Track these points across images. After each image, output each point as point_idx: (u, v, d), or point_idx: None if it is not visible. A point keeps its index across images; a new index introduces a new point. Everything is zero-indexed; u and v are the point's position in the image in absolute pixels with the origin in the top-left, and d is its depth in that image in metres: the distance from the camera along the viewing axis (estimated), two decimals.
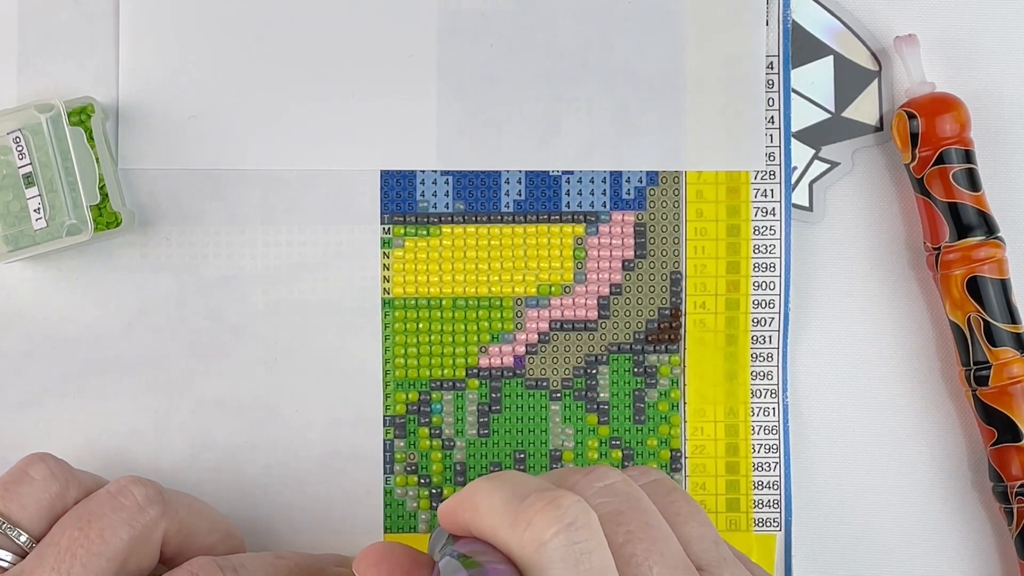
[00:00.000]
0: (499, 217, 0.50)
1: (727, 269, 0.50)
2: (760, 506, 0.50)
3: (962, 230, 0.49)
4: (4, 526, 0.42)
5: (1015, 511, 0.50)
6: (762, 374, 0.50)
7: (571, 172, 0.50)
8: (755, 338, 0.50)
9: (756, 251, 0.50)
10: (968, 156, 0.50)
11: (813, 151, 0.51)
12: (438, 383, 0.50)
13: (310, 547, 0.50)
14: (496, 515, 0.36)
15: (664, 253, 0.50)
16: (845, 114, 0.52)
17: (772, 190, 0.50)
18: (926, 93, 0.50)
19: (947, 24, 0.52)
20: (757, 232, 0.50)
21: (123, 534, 0.42)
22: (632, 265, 0.51)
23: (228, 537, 0.47)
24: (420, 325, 0.50)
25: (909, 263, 0.52)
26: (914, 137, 0.50)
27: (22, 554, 0.42)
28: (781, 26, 0.51)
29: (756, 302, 0.50)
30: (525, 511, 0.35)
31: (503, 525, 0.35)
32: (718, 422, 0.51)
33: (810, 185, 0.51)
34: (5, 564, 0.42)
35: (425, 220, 0.50)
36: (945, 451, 0.52)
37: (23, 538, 0.42)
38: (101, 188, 0.48)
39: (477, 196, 0.50)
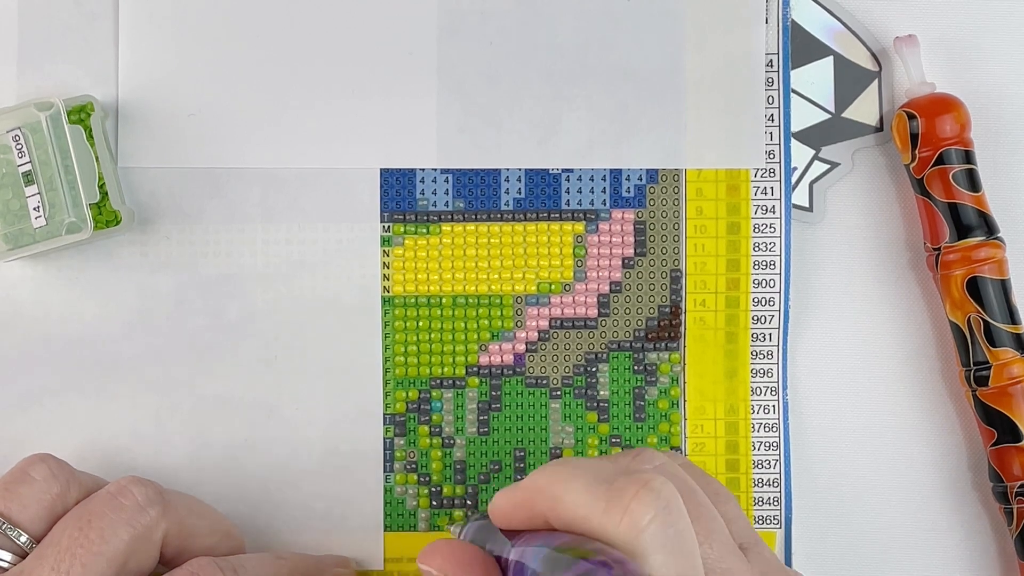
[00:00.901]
0: (499, 215, 0.50)
1: (727, 267, 0.50)
2: (760, 504, 0.50)
3: (962, 230, 0.49)
4: (4, 526, 0.42)
5: (1015, 511, 0.50)
6: (762, 372, 0.50)
7: (571, 170, 0.50)
8: (755, 336, 0.50)
9: (756, 249, 0.50)
10: (968, 156, 0.50)
11: (813, 151, 0.51)
12: (438, 381, 0.50)
13: (310, 545, 0.49)
14: (584, 504, 0.35)
15: (664, 251, 0.50)
16: (845, 114, 0.52)
17: (772, 188, 0.50)
18: (926, 93, 0.50)
19: (947, 24, 0.52)
20: (757, 230, 0.50)
21: (123, 534, 0.42)
22: (632, 263, 0.51)
23: (228, 537, 0.47)
24: (420, 323, 0.50)
25: (909, 263, 0.52)
26: (914, 137, 0.50)
27: (22, 554, 0.42)
28: (780, 24, 0.51)
29: (756, 300, 0.50)
30: (619, 497, 0.34)
31: (595, 513, 0.35)
32: (718, 420, 0.51)
33: (810, 185, 0.51)
34: (5, 564, 0.42)
35: (425, 218, 0.50)
36: (945, 451, 0.52)
37: (23, 538, 0.42)
38: (101, 186, 0.48)
39: (477, 194, 0.50)
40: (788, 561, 0.50)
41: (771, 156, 0.51)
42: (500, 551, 0.38)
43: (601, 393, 0.50)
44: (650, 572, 0.34)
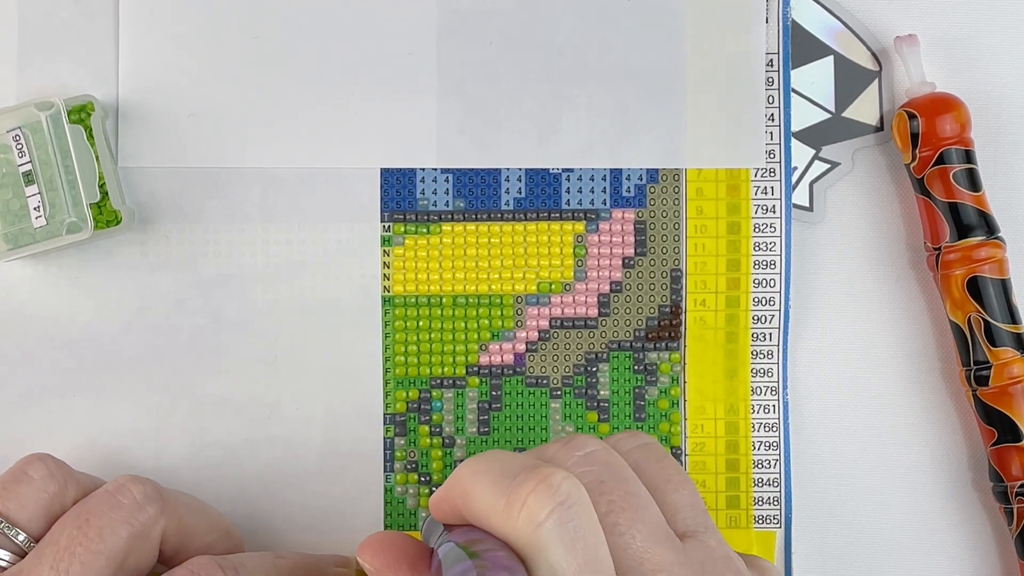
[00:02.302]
0: (499, 215, 0.50)
1: (727, 266, 0.50)
2: (760, 503, 0.50)
3: (962, 230, 0.49)
4: (3, 525, 0.42)
5: (1015, 511, 0.49)
6: (762, 371, 0.50)
7: (571, 170, 0.50)
8: (755, 335, 0.50)
9: (756, 248, 0.50)
10: (968, 156, 0.50)
11: (813, 151, 0.51)
12: (438, 381, 0.50)
13: (310, 545, 0.49)
14: (488, 500, 0.35)
15: (664, 250, 0.50)
16: (845, 114, 0.52)
17: (772, 187, 0.50)
18: (926, 93, 0.50)
19: (947, 24, 0.52)
20: (757, 229, 0.50)
21: (122, 532, 0.42)
22: (632, 263, 0.51)
23: (227, 536, 0.47)
24: (420, 323, 0.50)
25: (909, 263, 0.52)
26: (914, 137, 0.50)
27: (21, 553, 0.42)
28: (781, 23, 0.51)
29: (756, 299, 0.50)
30: (517, 493, 0.35)
31: (496, 510, 0.35)
32: (718, 419, 0.50)
33: (810, 185, 0.51)
34: (4, 564, 0.42)
35: (425, 218, 0.50)
36: (945, 451, 0.52)
37: (21, 537, 0.42)
38: (101, 186, 0.48)
39: (477, 194, 0.50)
40: (788, 561, 0.50)
41: (771, 156, 0.51)
42: (434, 545, 0.38)
43: (601, 393, 0.50)
44: (549, 568, 0.34)
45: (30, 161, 0.47)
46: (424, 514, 0.50)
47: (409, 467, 0.50)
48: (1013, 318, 0.50)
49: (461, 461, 0.50)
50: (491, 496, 0.35)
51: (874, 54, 0.52)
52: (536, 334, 0.50)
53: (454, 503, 0.37)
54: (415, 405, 0.50)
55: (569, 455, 0.38)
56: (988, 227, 0.50)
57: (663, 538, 0.37)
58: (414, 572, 0.38)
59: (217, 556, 0.44)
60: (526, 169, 0.50)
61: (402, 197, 0.50)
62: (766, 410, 0.50)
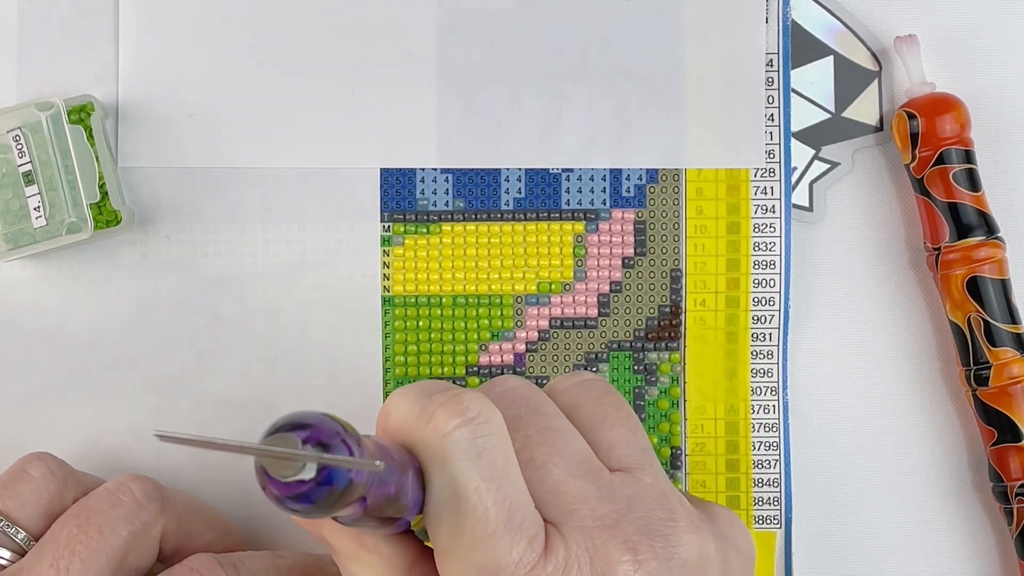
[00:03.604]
0: (499, 215, 0.50)
1: (727, 266, 0.50)
2: (760, 503, 0.50)
3: (962, 230, 0.49)
4: (3, 524, 0.42)
5: (1015, 511, 0.49)
6: (762, 371, 0.50)
7: (571, 170, 0.50)
8: (755, 335, 0.50)
9: (756, 248, 0.50)
10: (968, 156, 0.50)
11: (813, 151, 0.51)
12: None
13: (310, 545, 0.49)
14: (403, 414, 0.36)
15: (664, 250, 0.50)
16: (845, 114, 0.52)
17: (772, 187, 0.50)
18: (926, 93, 0.50)
19: (947, 24, 0.52)
20: (757, 229, 0.50)
21: (122, 530, 0.42)
22: (632, 263, 0.51)
23: (227, 534, 0.47)
24: (420, 323, 0.50)
25: (909, 263, 0.52)
26: (914, 137, 0.50)
27: (21, 552, 0.42)
28: (780, 23, 0.51)
29: (756, 299, 0.50)
30: (429, 405, 0.35)
31: (409, 421, 0.35)
32: (718, 419, 0.50)
33: (810, 185, 0.51)
34: (4, 562, 0.42)
35: (425, 218, 0.50)
36: (945, 451, 0.52)
37: (21, 536, 0.42)
38: (101, 186, 0.48)
39: (477, 194, 0.50)
40: (788, 561, 0.50)
41: (771, 156, 0.51)
42: None
43: None
44: (450, 478, 0.34)
45: (30, 161, 0.47)
46: None
47: None
48: (1013, 318, 0.49)
49: None
50: (407, 410, 0.36)
51: (874, 54, 0.52)
52: (536, 334, 0.50)
53: (378, 423, 0.37)
54: None
55: (489, 391, 0.38)
56: (988, 227, 0.50)
57: (585, 471, 0.37)
58: None
59: (217, 554, 0.44)
60: (526, 169, 0.50)
61: (402, 197, 0.50)
62: (766, 410, 0.50)
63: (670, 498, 0.37)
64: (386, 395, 0.50)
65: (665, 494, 0.37)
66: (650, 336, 0.50)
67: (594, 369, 0.50)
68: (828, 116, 0.52)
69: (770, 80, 0.51)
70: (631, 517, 0.36)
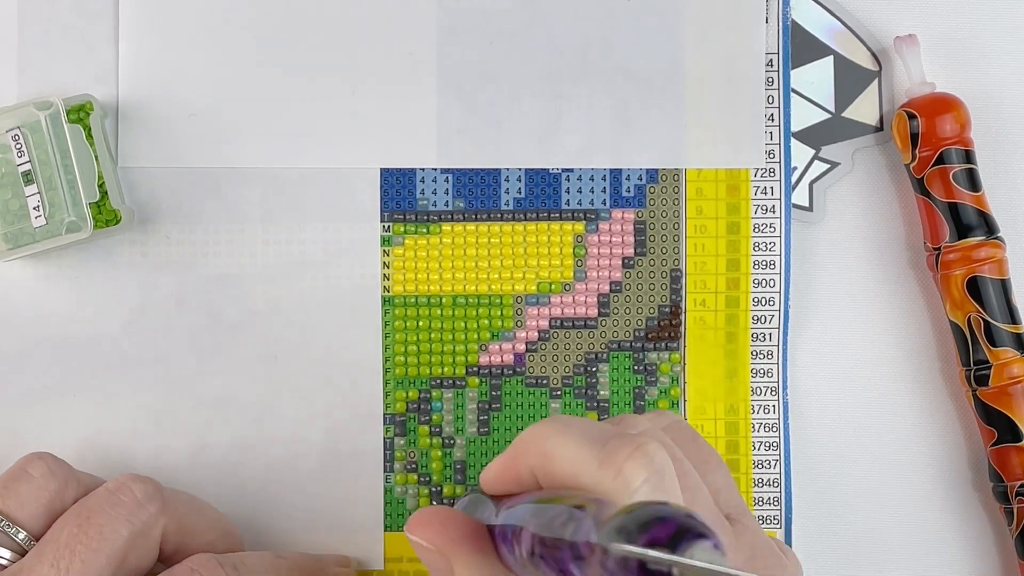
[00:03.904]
0: (499, 215, 0.50)
1: (727, 266, 0.50)
2: (760, 503, 0.50)
3: (962, 230, 0.49)
4: (3, 523, 0.42)
5: (1015, 511, 0.49)
6: (762, 371, 0.50)
7: (571, 170, 0.50)
8: (755, 335, 0.50)
9: (756, 248, 0.50)
10: (968, 156, 0.50)
11: (813, 151, 0.51)
12: (438, 381, 0.50)
13: (310, 545, 0.49)
14: (576, 461, 0.34)
15: (664, 250, 0.51)
16: (845, 114, 0.52)
17: (772, 187, 0.50)
18: (926, 93, 0.50)
19: (947, 24, 0.52)
20: (757, 229, 0.51)
21: (122, 531, 0.42)
22: (632, 263, 0.51)
23: (227, 535, 0.47)
24: (420, 323, 0.50)
25: (909, 263, 0.52)
26: (914, 137, 0.50)
27: (21, 552, 0.42)
28: (780, 23, 0.51)
29: (756, 299, 0.50)
30: (612, 456, 0.33)
31: (586, 471, 0.34)
32: (718, 419, 0.50)
33: (810, 185, 0.51)
34: (4, 562, 0.42)
35: (425, 218, 0.50)
36: (945, 451, 0.52)
37: (22, 535, 0.42)
38: (100, 186, 0.48)
39: (477, 194, 0.50)
40: None
41: (771, 156, 0.51)
42: (488, 518, 0.37)
43: (601, 393, 0.50)
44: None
45: (29, 161, 0.47)
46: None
47: (409, 467, 0.50)
48: (1013, 318, 0.49)
49: (461, 461, 0.50)
50: (581, 457, 0.34)
51: (874, 54, 0.52)
52: (536, 334, 0.50)
53: (527, 466, 0.36)
54: (415, 405, 0.50)
55: (655, 425, 0.38)
56: (988, 227, 0.50)
57: (716, 518, 0.37)
58: (477, 547, 0.37)
59: (217, 554, 0.44)
60: (526, 169, 0.50)
61: (402, 197, 0.50)
62: (766, 410, 0.50)
63: (772, 544, 0.38)
64: (386, 395, 0.50)
65: (768, 540, 0.38)
66: (650, 336, 0.50)
67: (594, 369, 0.50)
68: (828, 116, 0.52)
69: (770, 80, 0.51)
70: (756, 565, 0.37)
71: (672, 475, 0.34)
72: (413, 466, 0.50)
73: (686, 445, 0.39)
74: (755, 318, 0.50)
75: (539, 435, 0.36)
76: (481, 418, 0.50)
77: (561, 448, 0.35)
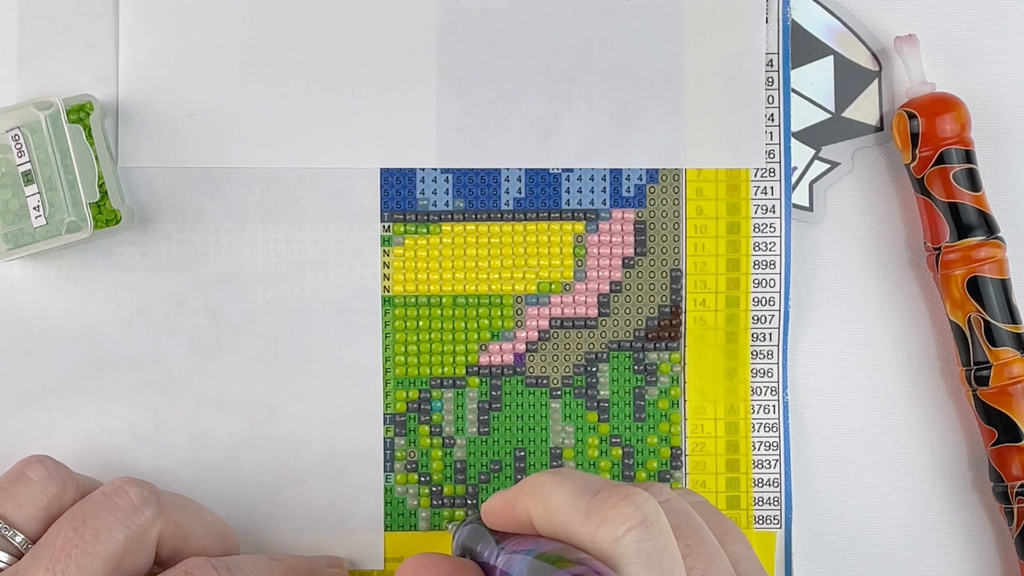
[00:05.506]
0: (499, 215, 0.50)
1: (727, 266, 0.50)
2: (760, 503, 0.50)
3: (962, 230, 0.49)
4: (1, 527, 0.42)
5: (1015, 511, 0.49)
6: (762, 371, 0.50)
7: (571, 170, 0.50)
8: (755, 335, 0.50)
9: (756, 248, 0.50)
10: (968, 156, 0.50)
11: (813, 151, 0.51)
12: (438, 381, 0.50)
13: (310, 545, 0.49)
14: (567, 510, 0.35)
15: (664, 250, 0.50)
16: (845, 114, 0.52)
17: (772, 187, 0.50)
18: (926, 93, 0.50)
19: (947, 24, 0.52)
20: (757, 229, 0.51)
21: (118, 534, 0.42)
22: (632, 263, 0.51)
23: (223, 539, 0.47)
24: (420, 323, 0.50)
25: (909, 263, 0.52)
26: (914, 137, 0.50)
27: (18, 555, 0.42)
28: (781, 23, 0.51)
29: (756, 299, 0.50)
30: (599, 506, 0.35)
31: (576, 520, 0.35)
32: (718, 419, 0.50)
33: (810, 185, 0.51)
34: (1, 565, 0.42)
35: (425, 218, 0.50)
36: (945, 451, 0.52)
37: (19, 539, 0.42)
38: (100, 186, 0.48)
39: (477, 194, 0.50)
40: (788, 561, 0.50)
41: (771, 156, 0.51)
42: (488, 556, 0.38)
43: (601, 393, 0.50)
44: None
45: (29, 161, 0.47)
46: (425, 514, 0.50)
47: (409, 467, 0.50)
48: (1013, 318, 0.49)
49: (461, 461, 0.50)
50: (572, 506, 0.35)
51: (874, 54, 0.52)
52: (536, 334, 0.50)
53: (525, 509, 0.37)
54: (415, 405, 0.50)
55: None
56: (988, 227, 0.50)
57: None
58: None
59: (212, 558, 0.44)
60: (526, 169, 0.50)
61: (402, 197, 0.50)
62: (766, 410, 0.50)
63: None
64: (386, 395, 0.50)
65: None
66: (650, 336, 0.50)
67: (594, 369, 0.50)
68: (828, 116, 0.52)
69: (770, 80, 0.51)
70: None
71: (662, 526, 0.35)
72: (413, 466, 0.50)
73: (708, 517, 0.39)
74: (755, 318, 0.50)
75: (539, 482, 0.37)
76: (481, 418, 0.50)
77: (556, 497, 0.36)
